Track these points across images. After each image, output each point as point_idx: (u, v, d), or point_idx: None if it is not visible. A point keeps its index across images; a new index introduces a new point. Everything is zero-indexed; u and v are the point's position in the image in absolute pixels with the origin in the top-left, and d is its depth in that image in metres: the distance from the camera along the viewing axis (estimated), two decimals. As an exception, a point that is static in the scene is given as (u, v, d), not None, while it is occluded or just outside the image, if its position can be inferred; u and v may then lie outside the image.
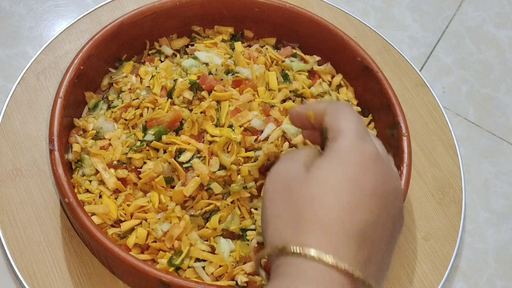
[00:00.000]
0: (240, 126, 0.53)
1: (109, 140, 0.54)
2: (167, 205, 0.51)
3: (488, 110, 0.71)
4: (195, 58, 0.58)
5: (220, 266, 0.50)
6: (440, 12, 0.79)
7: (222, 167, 0.51)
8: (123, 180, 0.53)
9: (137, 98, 0.56)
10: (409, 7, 0.78)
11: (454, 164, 0.65)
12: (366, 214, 0.34)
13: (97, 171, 0.53)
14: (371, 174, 0.35)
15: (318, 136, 0.43)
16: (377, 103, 0.61)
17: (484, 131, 0.70)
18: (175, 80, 0.55)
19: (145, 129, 0.53)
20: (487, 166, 0.67)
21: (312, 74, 0.62)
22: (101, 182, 0.53)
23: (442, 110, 0.68)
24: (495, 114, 0.71)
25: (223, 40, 0.64)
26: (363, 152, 0.36)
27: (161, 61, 0.61)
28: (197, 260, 0.50)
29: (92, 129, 0.55)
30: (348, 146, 0.36)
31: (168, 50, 0.62)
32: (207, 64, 0.57)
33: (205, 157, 0.51)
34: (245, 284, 0.50)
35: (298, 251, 0.33)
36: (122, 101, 0.57)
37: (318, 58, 0.63)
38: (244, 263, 0.51)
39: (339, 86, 0.63)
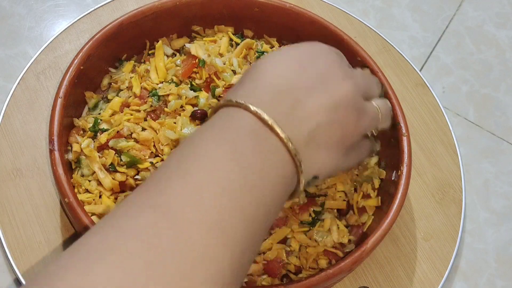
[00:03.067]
0: None
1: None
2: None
3: (488, 110, 0.72)
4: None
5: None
6: (440, 12, 0.79)
7: None
8: (121, 183, 0.53)
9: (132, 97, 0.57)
10: (409, 7, 0.78)
11: (454, 164, 0.65)
12: (318, 94, 0.39)
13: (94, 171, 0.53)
14: (323, 59, 0.41)
15: None
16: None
17: (484, 131, 0.70)
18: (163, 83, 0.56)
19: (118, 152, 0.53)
20: (487, 166, 0.67)
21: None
22: (100, 182, 0.53)
23: (442, 110, 0.68)
24: (495, 114, 0.71)
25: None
26: (316, 44, 0.43)
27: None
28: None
29: (90, 130, 0.55)
30: (308, 42, 0.43)
31: (168, 50, 0.62)
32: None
33: None
34: (244, 285, 0.51)
35: (240, 102, 0.37)
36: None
37: None
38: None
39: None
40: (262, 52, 0.60)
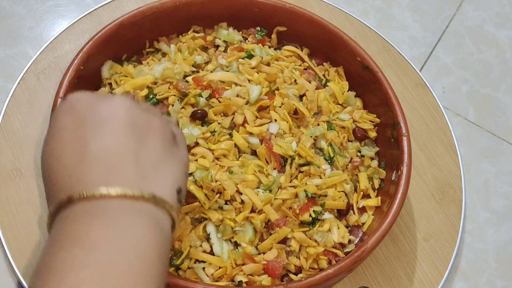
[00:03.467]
0: None
1: None
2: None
3: (488, 110, 0.71)
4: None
5: (219, 267, 0.50)
6: (440, 12, 0.79)
7: None
8: None
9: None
10: (409, 7, 0.78)
11: (454, 164, 0.65)
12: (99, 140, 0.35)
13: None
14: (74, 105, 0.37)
15: None
16: (377, 103, 0.61)
17: (484, 131, 0.70)
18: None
19: None
20: (487, 166, 0.67)
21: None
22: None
23: (442, 110, 0.68)
24: (495, 114, 0.71)
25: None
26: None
27: (159, 60, 0.61)
28: (197, 261, 0.50)
29: None
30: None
31: (165, 47, 0.62)
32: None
33: None
34: (245, 285, 0.50)
35: (85, 195, 0.33)
36: None
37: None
38: (243, 264, 0.51)
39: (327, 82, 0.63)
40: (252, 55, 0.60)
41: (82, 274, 0.30)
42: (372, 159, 0.59)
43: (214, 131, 0.54)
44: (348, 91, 0.63)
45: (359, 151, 0.59)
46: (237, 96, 0.56)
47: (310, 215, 0.53)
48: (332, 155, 0.56)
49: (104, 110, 0.36)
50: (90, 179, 0.33)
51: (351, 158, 0.58)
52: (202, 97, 0.55)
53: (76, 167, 0.34)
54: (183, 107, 0.55)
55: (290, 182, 0.54)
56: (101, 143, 0.34)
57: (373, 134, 0.61)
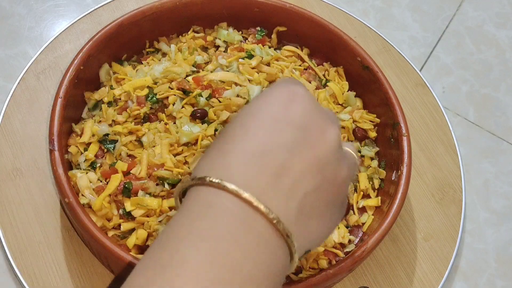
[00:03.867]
0: None
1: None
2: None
3: (488, 110, 0.71)
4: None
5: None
6: (440, 12, 0.79)
7: None
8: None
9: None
10: (409, 7, 0.78)
11: (454, 164, 0.65)
12: (301, 154, 0.33)
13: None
14: (299, 107, 0.34)
15: None
16: (377, 103, 0.61)
17: (484, 131, 0.70)
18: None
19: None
20: (487, 166, 0.67)
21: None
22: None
23: (442, 110, 0.68)
24: (495, 114, 0.71)
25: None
26: (291, 88, 0.35)
27: (159, 60, 0.61)
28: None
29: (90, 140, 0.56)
30: (276, 85, 0.36)
31: (165, 47, 0.62)
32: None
33: None
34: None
35: (216, 181, 0.31)
36: (117, 103, 0.57)
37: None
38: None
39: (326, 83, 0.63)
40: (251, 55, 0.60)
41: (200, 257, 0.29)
42: (372, 159, 0.60)
43: (216, 130, 0.54)
44: (348, 91, 0.63)
45: (359, 151, 0.59)
46: (237, 96, 0.56)
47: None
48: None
49: (314, 133, 0.34)
50: (252, 180, 0.32)
51: None
52: (202, 96, 0.55)
53: (250, 160, 0.32)
54: (183, 107, 0.55)
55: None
56: (289, 160, 0.33)
57: (373, 134, 0.61)
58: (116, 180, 0.51)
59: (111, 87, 0.58)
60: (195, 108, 0.55)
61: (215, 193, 0.31)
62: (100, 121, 0.56)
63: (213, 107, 0.55)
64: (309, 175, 0.33)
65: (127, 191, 0.51)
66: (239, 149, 0.33)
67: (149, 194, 0.51)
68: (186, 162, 0.53)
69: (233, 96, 0.55)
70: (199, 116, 0.54)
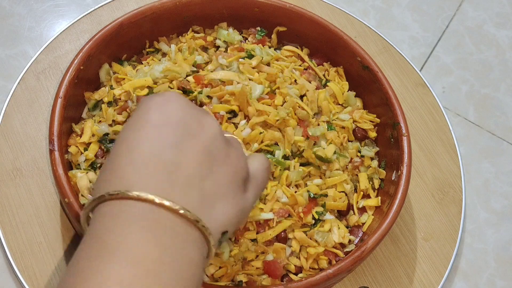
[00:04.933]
0: None
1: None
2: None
3: (488, 110, 0.72)
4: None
5: (220, 267, 0.50)
6: (440, 12, 0.79)
7: None
8: None
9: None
10: (409, 7, 0.78)
11: (454, 164, 0.65)
12: (186, 149, 0.35)
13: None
14: (173, 106, 0.36)
15: None
16: (377, 103, 0.61)
17: (484, 131, 0.70)
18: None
19: None
20: (487, 166, 0.67)
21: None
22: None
23: (442, 110, 0.68)
24: (495, 114, 0.71)
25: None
26: (160, 95, 0.37)
27: (159, 60, 0.61)
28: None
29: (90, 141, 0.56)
30: (147, 97, 0.38)
31: (165, 47, 0.62)
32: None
33: None
34: (245, 285, 0.50)
35: (115, 193, 0.32)
36: (117, 103, 0.57)
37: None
38: (243, 265, 0.51)
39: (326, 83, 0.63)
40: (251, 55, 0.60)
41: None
42: (372, 159, 0.59)
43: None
44: (348, 91, 0.63)
45: (359, 151, 0.59)
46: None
47: (313, 217, 0.53)
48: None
49: (193, 125, 0.36)
50: (148, 183, 0.33)
51: (351, 158, 0.58)
52: (201, 94, 0.55)
53: (141, 166, 0.33)
54: None
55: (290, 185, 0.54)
56: (178, 156, 0.34)
57: (373, 134, 0.61)
58: None
59: (111, 87, 0.58)
60: (192, 101, 0.55)
61: (118, 204, 0.32)
62: (100, 121, 0.56)
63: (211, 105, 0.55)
64: (199, 163, 0.35)
65: None
66: (129, 161, 0.34)
67: None
68: None
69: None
70: (185, 90, 0.55)
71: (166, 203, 0.32)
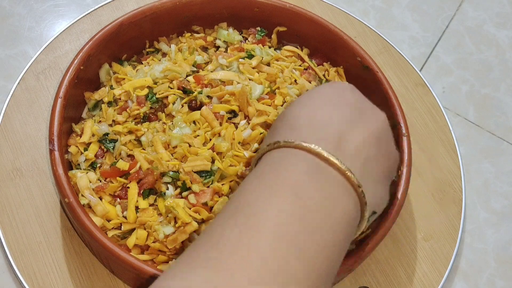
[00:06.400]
0: None
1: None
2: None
3: (488, 110, 0.71)
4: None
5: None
6: (440, 12, 0.79)
7: None
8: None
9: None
10: (409, 7, 0.78)
11: (454, 164, 0.65)
12: (359, 127, 0.38)
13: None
14: (351, 93, 0.41)
15: None
16: (377, 103, 0.60)
17: (484, 131, 0.70)
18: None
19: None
20: (487, 166, 0.67)
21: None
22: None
23: (442, 110, 0.68)
24: (495, 114, 0.71)
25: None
26: (339, 84, 0.43)
27: (159, 60, 0.61)
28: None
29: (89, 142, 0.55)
30: (324, 84, 0.43)
31: (165, 47, 0.62)
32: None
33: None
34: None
35: (290, 141, 0.35)
36: (117, 103, 0.57)
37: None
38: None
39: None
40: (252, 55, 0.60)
41: (279, 214, 0.31)
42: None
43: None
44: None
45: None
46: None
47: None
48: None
49: (367, 112, 0.39)
50: (320, 141, 0.36)
51: None
52: (201, 94, 0.55)
53: (317, 128, 0.37)
54: (182, 106, 0.55)
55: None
56: (349, 131, 0.37)
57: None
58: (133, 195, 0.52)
59: (111, 87, 0.58)
60: (194, 102, 0.55)
61: (289, 151, 0.35)
62: (100, 121, 0.56)
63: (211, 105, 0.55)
64: (367, 144, 0.37)
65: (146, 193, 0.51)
66: (307, 122, 0.37)
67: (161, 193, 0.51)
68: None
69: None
70: (194, 106, 0.55)
71: (334, 160, 0.34)
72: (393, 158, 0.40)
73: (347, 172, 0.34)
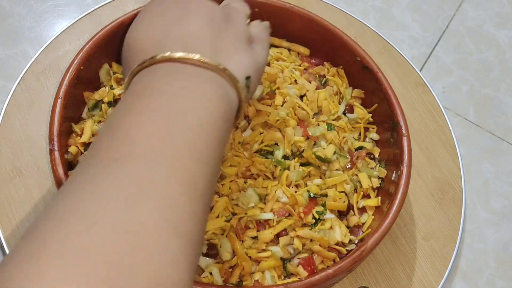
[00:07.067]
0: None
1: None
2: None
3: (488, 110, 0.72)
4: None
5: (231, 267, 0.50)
6: (440, 12, 0.79)
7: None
8: None
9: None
10: (409, 7, 0.78)
11: (454, 164, 0.65)
12: (190, 18, 0.40)
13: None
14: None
15: None
16: (377, 103, 0.61)
17: (484, 131, 0.70)
18: None
19: None
20: (487, 166, 0.67)
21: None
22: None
23: (442, 110, 0.68)
24: (495, 114, 0.71)
25: None
26: None
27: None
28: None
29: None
30: None
31: None
32: None
33: None
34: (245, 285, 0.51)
35: (166, 55, 0.37)
36: (117, 103, 0.57)
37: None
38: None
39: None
40: None
41: (155, 118, 0.33)
42: (372, 159, 0.60)
43: None
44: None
45: (360, 148, 0.59)
46: None
47: (314, 217, 0.53)
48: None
49: (191, 4, 0.41)
50: (172, 47, 0.38)
51: (353, 151, 0.58)
52: None
53: (159, 40, 0.39)
54: None
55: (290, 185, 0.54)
56: (183, 27, 0.39)
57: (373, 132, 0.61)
58: None
59: (111, 87, 0.58)
60: None
61: (146, 71, 0.37)
62: (100, 121, 0.56)
63: None
64: (205, 29, 0.40)
65: None
66: (145, 38, 0.40)
67: None
68: None
69: None
70: None
71: (185, 55, 0.37)
72: (236, 24, 0.42)
73: (201, 59, 0.37)
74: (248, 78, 0.40)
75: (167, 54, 0.37)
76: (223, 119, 0.36)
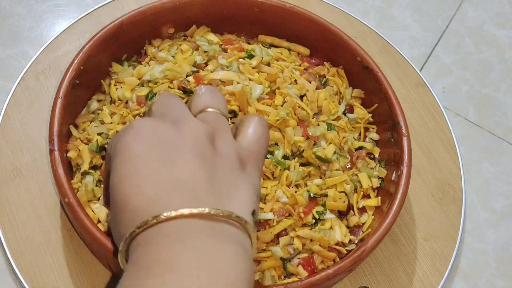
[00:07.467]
0: None
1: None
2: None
3: (488, 110, 0.72)
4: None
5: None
6: (440, 12, 0.79)
7: None
8: None
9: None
10: (409, 7, 0.78)
11: (454, 164, 0.65)
12: (178, 161, 0.35)
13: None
14: (145, 129, 0.36)
15: None
16: (377, 103, 0.61)
17: (484, 131, 0.70)
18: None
19: None
20: (487, 166, 0.68)
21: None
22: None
23: (442, 110, 0.68)
24: (495, 114, 0.71)
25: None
26: (129, 127, 0.37)
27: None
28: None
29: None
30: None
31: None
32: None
33: None
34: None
35: (143, 223, 0.32)
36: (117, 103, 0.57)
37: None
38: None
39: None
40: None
41: None
42: (372, 159, 0.60)
43: None
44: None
45: (360, 148, 0.59)
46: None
47: (314, 217, 0.53)
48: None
49: (174, 138, 0.36)
50: (170, 202, 0.33)
51: (353, 151, 0.58)
52: None
53: (155, 194, 0.33)
54: None
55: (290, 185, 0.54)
56: (176, 176, 0.34)
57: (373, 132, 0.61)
58: None
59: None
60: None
61: (149, 232, 0.32)
62: (100, 121, 0.56)
63: None
64: (195, 168, 0.35)
65: None
66: (134, 193, 0.34)
67: None
68: None
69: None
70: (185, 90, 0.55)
71: (194, 211, 0.32)
72: (224, 152, 0.37)
73: (211, 212, 0.33)
74: (253, 213, 0.36)
75: (173, 213, 0.32)
76: (247, 280, 0.32)
